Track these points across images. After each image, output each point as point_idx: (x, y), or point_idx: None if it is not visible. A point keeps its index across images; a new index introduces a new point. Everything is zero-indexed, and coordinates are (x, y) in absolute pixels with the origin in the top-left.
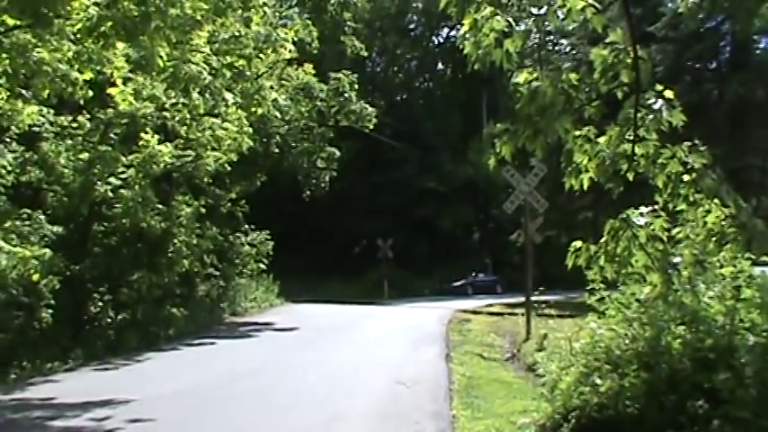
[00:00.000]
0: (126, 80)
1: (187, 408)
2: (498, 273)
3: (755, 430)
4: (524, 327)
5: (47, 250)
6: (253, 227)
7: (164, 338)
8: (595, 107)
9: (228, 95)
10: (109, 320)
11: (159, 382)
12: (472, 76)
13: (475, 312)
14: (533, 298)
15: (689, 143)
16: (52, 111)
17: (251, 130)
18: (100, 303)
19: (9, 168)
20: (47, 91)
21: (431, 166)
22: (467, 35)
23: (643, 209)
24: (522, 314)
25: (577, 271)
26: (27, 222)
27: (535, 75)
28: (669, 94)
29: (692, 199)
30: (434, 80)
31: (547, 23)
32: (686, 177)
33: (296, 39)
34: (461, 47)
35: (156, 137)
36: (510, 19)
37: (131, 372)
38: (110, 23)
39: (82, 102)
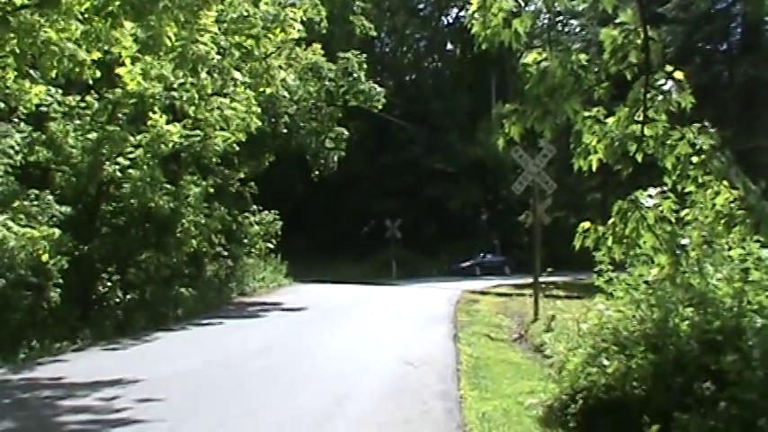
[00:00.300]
0: (134, 60)
1: (196, 387)
2: (506, 254)
3: (762, 412)
4: (532, 308)
5: (55, 230)
6: (261, 207)
7: (172, 318)
8: (605, 88)
9: (237, 75)
10: (117, 300)
11: (168, 362)
12: (481, 56)
13: (483, 293)
14: (541, 279)
15: (698, 124)
16: (60, 91)
17: (259, 110)
18: (108, 283)
19: (17, 148)
20: (54, 71)
21: (439, 146)
22: (475, 15)
23: (652, 190)
24: (530, 295)
25: (585, 252)
26: (35, 202)
27: (544, 55)
28: (679, 75)
29: (700, 180)
30: (443, 60)
31: (556, 3)
32: (695, 159)
33: (304, 18)
34: (470, 26)
35: (165, 117)
36: None
37: (140, 351)
38: (117, 3)
39: (90, 81)
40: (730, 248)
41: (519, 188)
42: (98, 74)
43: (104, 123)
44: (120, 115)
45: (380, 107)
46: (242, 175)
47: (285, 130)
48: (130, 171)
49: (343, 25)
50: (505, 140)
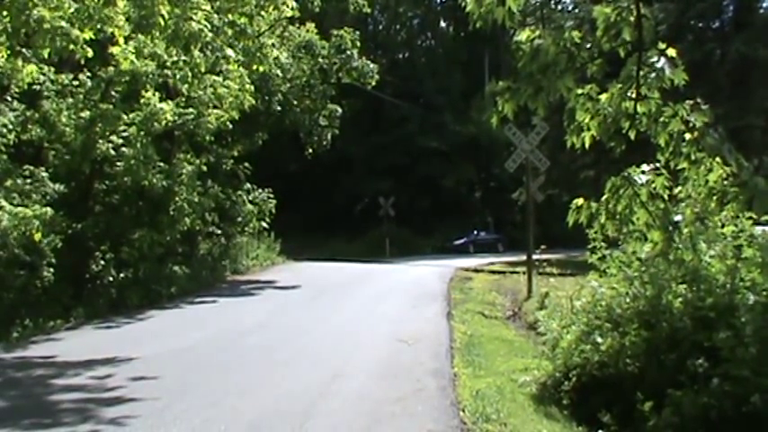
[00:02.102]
0: (127, 39)
1: (189, 365)
2: (500, 231)
3: (755, 388)
4: (526, 285)
5: (48, 209)
6: (255, 186)
7: (165, 296)
8: (598, 65)
9: (230, 52)
10: (111, 279)
11: (161, 341)
12: (475, 34)
13: (476, 271)
14: (535, 256)
15: (691, 102)
16: (53, 69)
17: (252, 88)
18: (102, 261)
19: (10, 127)
20: (47, 49)
21: (433, 124)
22: None
23: (645, 167)
24: (524, 272)
25: (579, 229)
26: (29, 180)
27: (537, 33)
28: (672, 52)
29: (693, 157)
30: (437, 38)
31: None
32: (688, 136)
33: None
34: (463, 5)
35: (158, 95)
36: None
37: (133, 330)
38: None
39: (83, 60)
40: (723, 225)
41: (512, 166)
42: (90, 52)
43: (97, 101)
44: (113, 93)
45: (374, 84)
46: (235, 154)
47: (278, 108)
48: (124, 149)
49: (336, 3)
50: (499, 118)
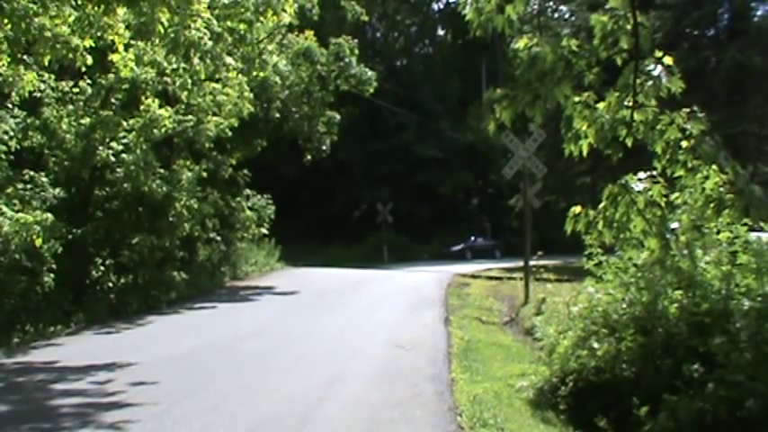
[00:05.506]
0: (127, 46)
1: (188, 371)
2: (497, 237)
3: (749, 393)
4: (523, 291)
5: (49, 215)
6: (254, 192)
7: (165, 302)
8: (595, 73)
9: (229, 60)
10: (110, 284)
11: (161, 346)
12: (472, 42)
13: (474, 277)
14: (532, 262)
15: (687, 110)
16: (53, 76)
17: (251, 95)
18: (101, 267)
19: (12, 134)
20: (48, 57)
21: (430, 131)
22: (468, 1)
23: (641, 175)
24: (521, 278)
25: (576, 236)
26: (29, 186)
27: (535, 40)
28: (668, 60)
29: (690, 165)
30: (434, 46)
31: None
32: (684, 143)
33: (295, 6)
34: (462, 13)
35: (157, 102)
36: None
37: (133, 335)
38: None
39: (83, 67)
40: (719, 232)
41: (509, 172)
42: (90, 60)
43: (97, 108)
44: (113, 100)
45: (372, 91)
46: (234, 161)
47: (277, 115)
48: (123, 155)
49: (334, 11)
50: (496, 125)
